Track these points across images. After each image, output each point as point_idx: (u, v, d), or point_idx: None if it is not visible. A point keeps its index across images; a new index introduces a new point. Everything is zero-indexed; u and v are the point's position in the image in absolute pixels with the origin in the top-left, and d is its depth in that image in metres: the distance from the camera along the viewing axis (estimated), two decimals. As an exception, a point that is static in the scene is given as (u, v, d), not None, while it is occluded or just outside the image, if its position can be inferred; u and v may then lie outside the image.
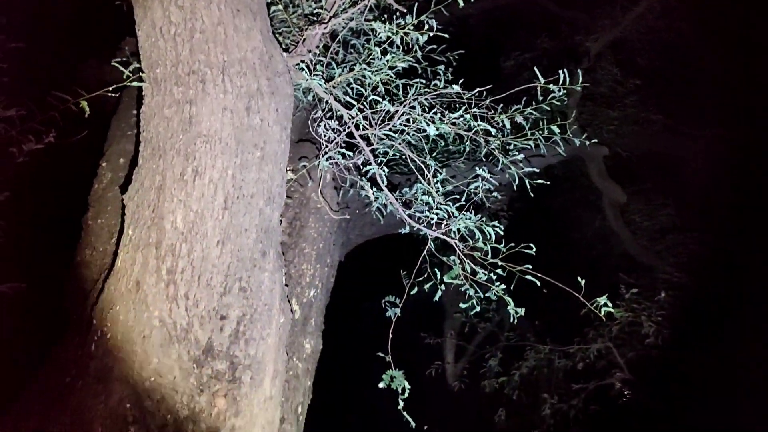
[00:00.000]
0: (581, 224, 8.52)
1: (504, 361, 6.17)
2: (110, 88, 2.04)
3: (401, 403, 2.41)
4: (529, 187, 2.67)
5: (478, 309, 2.56)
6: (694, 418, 5.10)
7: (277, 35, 2.58)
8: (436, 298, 2.70)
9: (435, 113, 2.57)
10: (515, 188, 3.22)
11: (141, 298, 1.95)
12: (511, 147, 2.93)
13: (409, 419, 2.42)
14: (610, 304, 2.22)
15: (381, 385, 2.44)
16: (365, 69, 2.77)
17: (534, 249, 2.40)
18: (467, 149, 3.04)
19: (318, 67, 2.69)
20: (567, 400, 5.57)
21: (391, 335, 2.57)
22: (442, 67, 3.13)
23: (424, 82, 2.89)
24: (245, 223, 2.14)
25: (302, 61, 2.61)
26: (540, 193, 2.79)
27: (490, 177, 2.65)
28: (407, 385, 2.43)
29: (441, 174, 2.79)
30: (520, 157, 2.63)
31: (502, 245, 2.48)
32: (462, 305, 2.61)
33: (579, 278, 2.24)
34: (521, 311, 2.43)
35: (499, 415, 6.04)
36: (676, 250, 7.52)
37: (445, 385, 6.51)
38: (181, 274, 1.98)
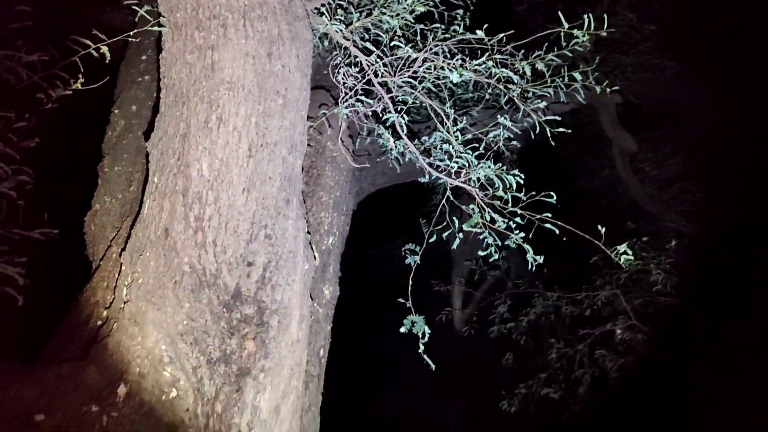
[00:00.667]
0: (589, 173, 8.50)
1: (512, 308, 6.29)
2: (131, 33, 2.00)
3: (422, 347, 2.48)
4: (549, 135, 2.66)
5: (496, 257, 2.59)
6: (698, 370, 5.24)
7: (295, -22, 2.50)
8: (454, 246, 2.73)
9: (457, 60, 2.53)
10: (526, 137, 3.20)
11: (170, 245, 1.99)
12: (530, 95, 2.89)
13: (429, 362, 2.49)
14: (630, 252, 2.24)
15: (402, 329, 2.50)
16: (383, 13, 2.71)
17: (555, 198, 2.41)
18: (486, 97, 3.01)
19: (338, 11, 2.63)
20: (573, 345, 5.71)
21: (411, 282, 2.62)
22: (461, 11, 3.06)
23: (442, 27, 2.83)
24: (269, 171, 2.15)
25: (321, 5, 2.55)
26: (548, 142, 2.77)
27: (512, 125, 2.63)
28: (427, 330, 2.50)
29: (460, 122, 2.77)
30: (542, 104, 2.59)
31: (522, 194, 2.49)
32: (480, 253, 2.64)
33: (599, 226, 2.26)
34: (540, 259, 2.47)
35: (507, 359, 6.21)
36: (684, 199, 7.52)
37: (453, 331, 6.67)
38: (208, 221, 2.01)
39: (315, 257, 2.50)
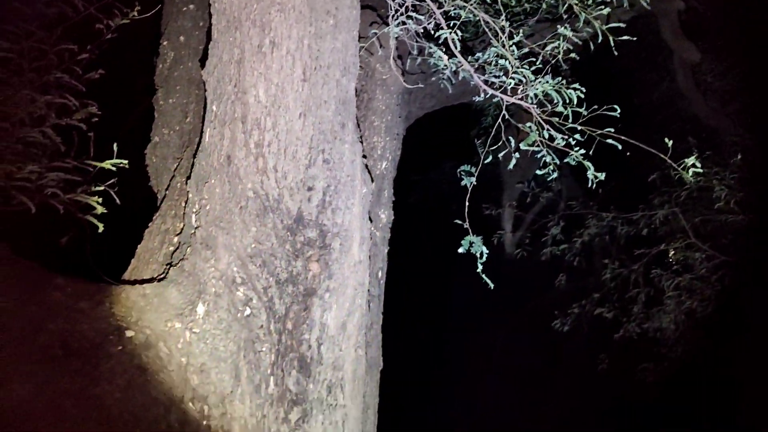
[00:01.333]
0: (647, 87, 8.08)
1: (565, 230, 6.22)
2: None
3: (480, 267, 2.51)
4: (612, 44, 2.51)
5: (555, 176, 2.54)
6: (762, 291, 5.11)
7: None
8: (510, 166, 2.69)
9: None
10: (583, 49, 3.04)
11: (233, 172, 2.03)
12: (590, 1, 2.73)
13: (488, 281, 2.53)
14: (698, 164, 2.16)
15: (460, 250, 2.53)
16: None
17: (618, 111, 2.31)
18: (542, 7, 2.85)
19: None
20: (628, 266, 5.65)
21: (467, 203, 2.61)
22: None
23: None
24: (324, 95, 2.13)
25: None
26: (601, 55, 2.62)
27: (572, 35, 2.50)
28: (485, 250, 2.51)
29: (516, 36, 2.64)
30: (606, 11, 2.44)
31: (582, 109, 2.40)
32: (538, 172, 2.59)
33: (666, 139, 2.17)
34: (602, 176, 2.41)
35: (559, 280, 6.22)
36: (749, 112, 7.09)
37: (504, 255, 6.69)
38: (268, 147, 2.04)
39: (372, 180, 2.52)
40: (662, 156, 2.18)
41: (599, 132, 2.37)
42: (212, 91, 2.17)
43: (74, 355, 1.54)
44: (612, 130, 2.34)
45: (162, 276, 1.94)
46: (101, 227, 1.90)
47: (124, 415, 1.58)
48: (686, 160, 2.19)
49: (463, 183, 2.71)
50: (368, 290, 2.63)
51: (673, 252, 5.58)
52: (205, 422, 1.68)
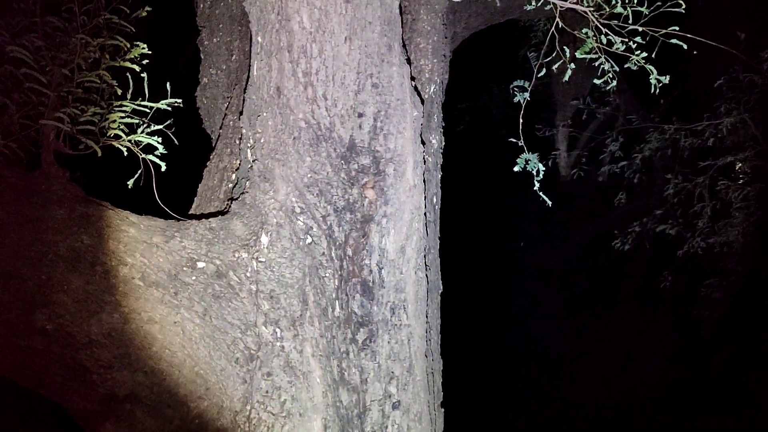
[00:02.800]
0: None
1: (624, 146, 5.98)
2: None
3: (537, 185, 2.46)
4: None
5: (614, 84, 2.42)
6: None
7: None
8: (566, 78, 2.57)
9: None
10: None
11: (284, 103, 2.04)
12: None
13: (545, 199, 2.49)
14: (775, 58, 1.99)
15: (516, 168, 2.48)
16: None
17: (683, 7, 2.14)
18: None
19: None
20: (692, 179, 5.42)
21: (521, 120, 2.54)
22: None
23: None
24: (368, 16, 2.07)
25: None
26: None
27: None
28: (542, 167, 2.46)
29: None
30: None
31: (644, 8, 2.23)
32: (596, 81, 2.47)
33: (738, 33, 2.01)
34: (666, 79, 2.27)
35: (619, 199, 6.04)
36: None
37: (559, 176, 6.53)
38: (316, 75, 2.02)
39: (422, 103, 2.47)
40: (734, 52, 2.03)
41: (662, 32, 2.21)
42: (256, 22, 2.14)
43: (154, 286, 1.64)
44: (677, 28, 2.18)
45: (225, 210, 2.00)
46: (164, 166, 1.96)
47: (205, 339, 1.69)
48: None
49: (516, 99, 2.62)
50: (424, 215, 2.65)
51: (741, 163, 5.29)
52: (278, 344, 1.77)
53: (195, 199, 2.34)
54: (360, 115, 2.11)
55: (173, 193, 2.46)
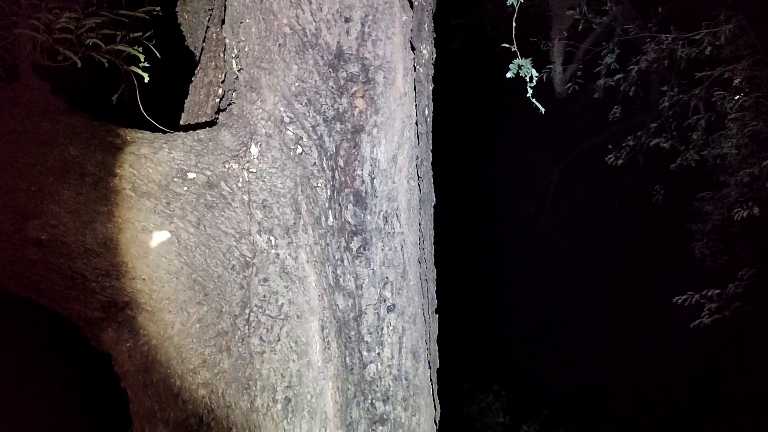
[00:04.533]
0: None
1: (620, 58, 5.85)
2: None
3: (530, 91, 2.42)
4: None
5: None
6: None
7: None
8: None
9: None
10: None
11: (267, 8, 1.96)
12: None
13: (539, 106, 2.45)
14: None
15: (509, 74, 2.43)
16: None
17: None
18: None
19: None
20: (688, 91, 5.34)
21: (514, 24, 2.46)
22: None
23: None
24: None
25: None
26: None
27: None
28: (535, 73, 2.41)
29: None
30: None
31: None
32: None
33: None
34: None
35: (614, 113, 5.99)
36: None
37: (554, 91, 6.42)
38: (299, -23, 1.93)
39: (411, 6, 2.38)
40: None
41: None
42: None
43: (145, 196, 1.64)
44: None
45: (213, 122, 1.98)
46: (146, 77, 1.91)
47: (200, 247, 1.71)
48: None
49: (509, 2, 2.53)
50: (416, 124, 2.62)
51: (738, 73, 5.19)
52: (273, 251, 1.80)
53: (182, 115, 2.30)
54: (347, 20, 2.04)
55: (159, 112, 2.42)
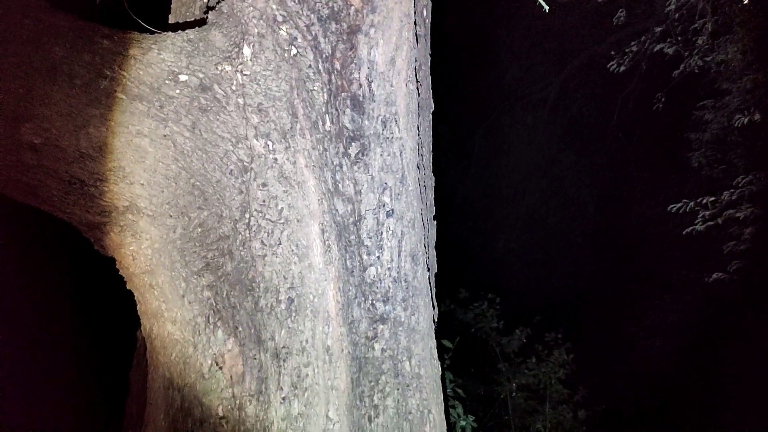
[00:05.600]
0: None
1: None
2: None
3: (533, -12, 2.31)
4: None
5: None
6: None
7: None
8: None
9: None
10: None
11: None
12: None
13: (543, 3, 2.35)
14: None
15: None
16: None
17: None
18: None
19: None
20: (696, -8, 5.11)
21: None
22: None
23: None
24: None
25: None
26: None
27: None
28: (539, -32, 2.29)
29: None
30: None
31: None
32: None
33: None
34: None
35: (618, 17, 5.77)
36: None
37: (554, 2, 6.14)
38: None
39: None
40: None
41: None
42: None
43: (137, 99, 1.59)
44: None
45: (202, 21, 1.89)
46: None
47: (197, 151, 1.69)
48: None
49: None
50: (414, 24, 2.52)
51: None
52: (271, 156, 1.78)
53: (169, 16, 2.20)
54: None
55: (144, 11, 2.31)
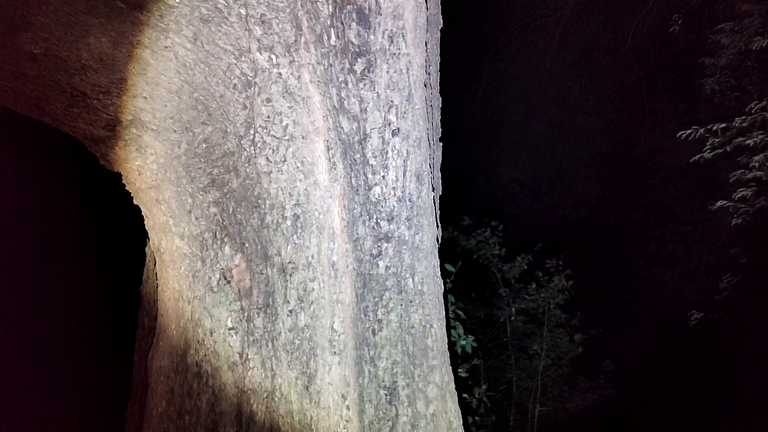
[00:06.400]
0: None
1: None
2: None
3: None
4: None
5: None
6: None
7: None
8: None
9: None
10: None
11: None
12: None
13: None
14: None
15: None
16: None
17: None
18: None
19: None
20: None
21: None
22: None
23: None
24: None
25: None
26: None
27: None
28: None
29: None
30: None
31: None
32: None
33: None
34: None
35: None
36: None
37: None
38: None
39: None
40: None
41: None
42: None
43: (137, 8, 1.54)
44: None
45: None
46: None
47: (199, 64, 1.66)
48: None
49: None
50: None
51: None
52: (275, 70, 1.74)
53: None
54: None
55: None
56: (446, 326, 2.19)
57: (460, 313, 4.68)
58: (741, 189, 4.62)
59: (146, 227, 1.87)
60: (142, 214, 1.86)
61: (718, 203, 4.92)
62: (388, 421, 1.84)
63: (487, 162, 11.20)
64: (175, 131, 1.67)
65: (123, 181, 1.80)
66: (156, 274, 1.97)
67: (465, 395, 4.91)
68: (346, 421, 1.76)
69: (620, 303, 8.37)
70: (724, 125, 4.83)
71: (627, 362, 6.96)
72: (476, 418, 4.93)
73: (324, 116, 1.83)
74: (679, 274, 8.35)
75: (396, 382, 1.87)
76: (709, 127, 4.98)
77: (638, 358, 7.26)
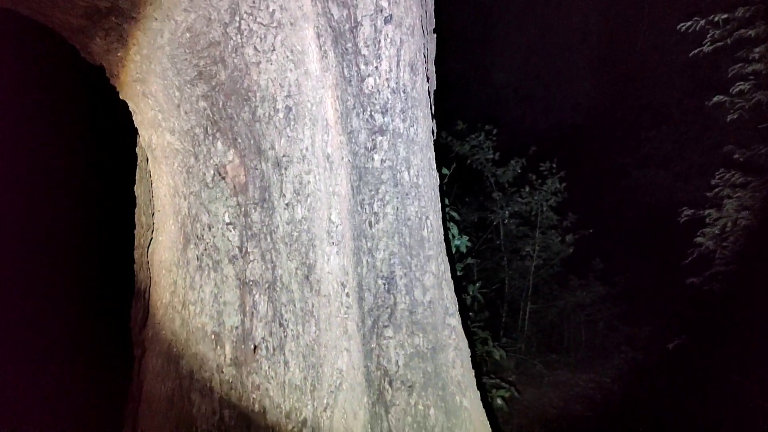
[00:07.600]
0: None
1: None
2: None
3: None
4: None
5: None
6: None
7: None
8: None
9: None
10: None
11: None
12: None
13: None
14: None
15: None
16: None
17: None
18: None
19: None
20: None
21: None
22: None
23: None
24: None
25: None
26: None
27: None
28: None
29: None
30: None
31: None
32: None
33: None
34: None
35: None
36: None
37: None
38: None
39: None
40: None
41: None
42: None
43: None
44: None
45: None
46: None
47: (176, -56, 1.55)
48: None
49: None
50: None
51: None
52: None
53: None
54: None
55: None
56: (442, 218, 2.21)
57: (454, 214, 4.73)
58: (739, 83, 4.53)
59: (135, 123, 1.83)
60: (130, 109, 1.82)
61: (715, 98, 4.83)
62: (386, 308, 1.91)
63: (482, 66, 10.90)
64: (156, 19, 1.59)
65: (107, 75, 1.74)
66: (149, 173, 1.96)
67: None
68: (347, 308, 1.82)
69: (612, 204, 8.47)
70: (726, 16, 4.65)
71: (615, 261, 7.15)
72: (470, 314, 5.11)
73: (312, 1, 1.75)
74: (672, 174, 8.40)
75: (393, 272, 1.92)
76: (710, 18, 4.79)
77: (627, 257, 7.45)
